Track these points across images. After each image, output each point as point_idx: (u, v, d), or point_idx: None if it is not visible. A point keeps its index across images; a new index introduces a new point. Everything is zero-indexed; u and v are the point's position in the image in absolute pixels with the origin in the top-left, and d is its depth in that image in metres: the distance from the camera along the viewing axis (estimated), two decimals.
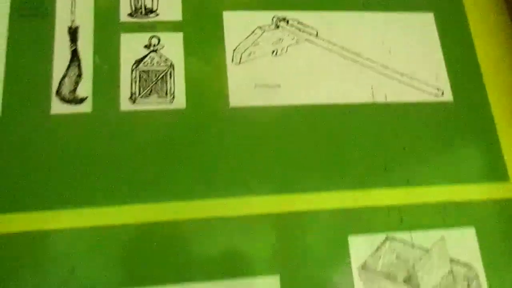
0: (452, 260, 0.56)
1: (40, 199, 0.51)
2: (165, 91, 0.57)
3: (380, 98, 0.61)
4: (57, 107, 0.55)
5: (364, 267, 0.54)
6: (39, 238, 0.50)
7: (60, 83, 0.55)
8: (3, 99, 0.54)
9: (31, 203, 0.51)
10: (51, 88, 0.55)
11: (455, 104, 0.62)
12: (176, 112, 0.56)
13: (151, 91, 0.56)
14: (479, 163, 0.60)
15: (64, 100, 0.54)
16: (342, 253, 0.54)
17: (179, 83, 0.58)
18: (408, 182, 0.58)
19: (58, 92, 0.55)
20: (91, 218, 0.51)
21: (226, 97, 0.58)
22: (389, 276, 0.55)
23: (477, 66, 0.65)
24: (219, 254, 0.52)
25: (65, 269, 0.49)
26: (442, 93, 0.63)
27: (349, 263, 0.54)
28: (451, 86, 0.63)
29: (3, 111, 0.54)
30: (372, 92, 0.61)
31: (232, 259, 0.52)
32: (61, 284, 0.49)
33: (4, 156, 0.52)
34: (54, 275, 0.49)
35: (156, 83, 0.57)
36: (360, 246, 0.55)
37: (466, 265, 0.56)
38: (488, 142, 0.61)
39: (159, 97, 0.56)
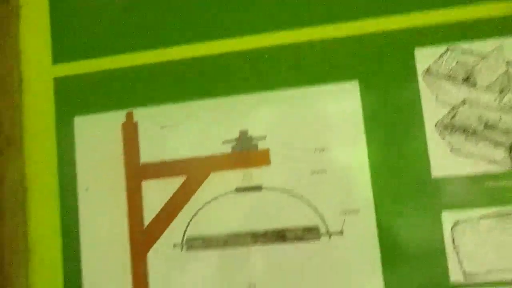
0: (508, 63, 0.66)
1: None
2: None
3: None
4: None
5: (428, 71, 0.67)
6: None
7: None
8: None
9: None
10: None
11: None
12: None
13: None
14: None
15: None
16: (409, 62, 0.67)
17: None
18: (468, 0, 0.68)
19: None
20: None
21: None
22: (450, 78, 0.67)
23: None
24: (304, 72, 0.69)
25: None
26: None
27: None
28: None
29: None
30: None
31: (318, 70, 0.69)
32: None
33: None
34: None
35: None
36: (424, 55, 0.67)
37: None
38: None
39: None
